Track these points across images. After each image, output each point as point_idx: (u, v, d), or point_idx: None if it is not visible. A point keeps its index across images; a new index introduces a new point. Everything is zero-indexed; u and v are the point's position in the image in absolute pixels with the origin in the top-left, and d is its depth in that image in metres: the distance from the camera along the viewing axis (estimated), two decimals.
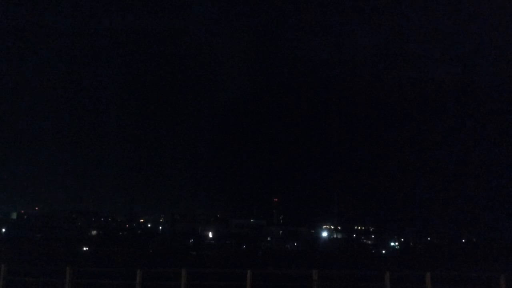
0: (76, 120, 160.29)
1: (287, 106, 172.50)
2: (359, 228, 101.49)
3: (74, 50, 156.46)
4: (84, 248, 60.95)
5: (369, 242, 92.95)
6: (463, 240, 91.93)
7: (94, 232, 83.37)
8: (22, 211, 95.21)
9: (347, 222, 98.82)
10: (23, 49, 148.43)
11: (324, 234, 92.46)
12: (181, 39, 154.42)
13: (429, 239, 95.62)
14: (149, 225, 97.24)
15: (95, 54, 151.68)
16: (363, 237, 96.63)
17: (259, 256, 54.36)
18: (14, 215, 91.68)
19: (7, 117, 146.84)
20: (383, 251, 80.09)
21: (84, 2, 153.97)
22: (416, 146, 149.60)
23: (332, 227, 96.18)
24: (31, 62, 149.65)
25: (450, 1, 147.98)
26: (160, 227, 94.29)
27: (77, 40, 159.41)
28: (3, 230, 79.59)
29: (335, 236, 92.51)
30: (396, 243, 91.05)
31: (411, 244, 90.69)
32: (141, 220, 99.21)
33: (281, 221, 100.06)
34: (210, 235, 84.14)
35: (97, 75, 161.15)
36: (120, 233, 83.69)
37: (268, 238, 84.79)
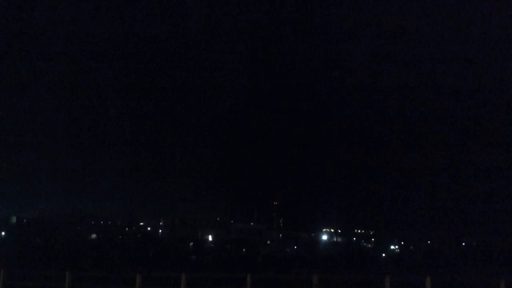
0: (76, 123, 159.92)
1: (286, 110, 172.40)
2: (359, 231, 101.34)
3: (74, 51, 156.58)
4: (84, 252, 60.81)
5: (369, 245, 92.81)
6: (463, 244, 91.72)
7: (93, 236, 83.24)
8: (22, 215, 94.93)
9: (347, 225, 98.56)
10: (23, 50, 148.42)
11: (324, 237, 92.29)
12: (180, 41, 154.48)
13: (429, 242, 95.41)
14: (148, 229, 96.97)
15: (94, 56, 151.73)
16: (363, 241, 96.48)
17: (259, 260, 54.14)
18: (13, 219, 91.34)
19: (6, 120, 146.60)
20: (383, 255, 79.88)
21: (83, 4, 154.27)
22: (416, 149, 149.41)
23: (332, 230, 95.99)
24: (31, 64, 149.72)
25: (451, 3, 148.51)
26: (160, 231, 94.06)
27: (76, 42, 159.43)
28: (3, 234, 79.46)
29: (335, 239, 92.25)
30: (396, 247, 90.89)
31: (411, 247, 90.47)
32: (141, 224, 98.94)
33: (281, 225, 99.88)
34: (210, 239, 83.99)
35: (97, 78, 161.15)
36: (120, 237, 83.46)
37: (268, 242, 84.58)
